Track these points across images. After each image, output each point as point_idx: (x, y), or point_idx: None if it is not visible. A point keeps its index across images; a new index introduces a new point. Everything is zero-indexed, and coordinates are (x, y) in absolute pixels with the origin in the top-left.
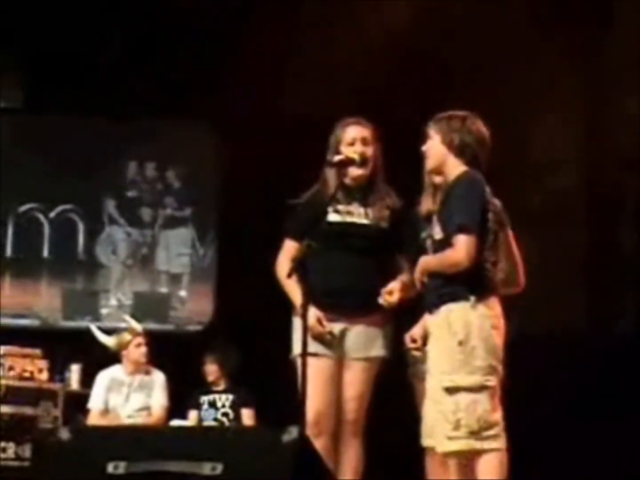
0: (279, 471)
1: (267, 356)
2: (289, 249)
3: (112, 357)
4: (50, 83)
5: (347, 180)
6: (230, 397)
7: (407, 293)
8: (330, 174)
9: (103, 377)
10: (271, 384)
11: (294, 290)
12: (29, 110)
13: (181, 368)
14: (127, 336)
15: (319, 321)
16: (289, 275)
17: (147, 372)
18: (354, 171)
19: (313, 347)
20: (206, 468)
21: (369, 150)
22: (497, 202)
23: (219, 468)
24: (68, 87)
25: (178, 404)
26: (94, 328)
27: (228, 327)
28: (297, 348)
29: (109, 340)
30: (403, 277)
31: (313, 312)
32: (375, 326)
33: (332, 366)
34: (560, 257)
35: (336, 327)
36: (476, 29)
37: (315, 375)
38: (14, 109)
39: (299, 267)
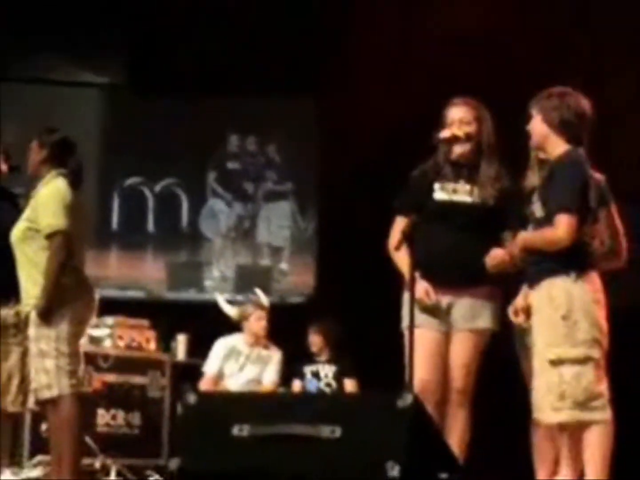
0: (394, 435)
1: (369, 327)
2: (400, 224)
3: (218, 328)
4: (153, 59)
5: (454, 158)
6: (334, 367)
7: (510, 261)
8: (440, 152)
9: (222, 344)
10: (373, 354)
11: (403, 263)
12: (134, 85)
13: (284, 339)
14: (249, 308)
15: (427, 293)
16: (397, 248)
17: (266, 347)
18: (455, 149)
19: (420, 319)
20: (325, 431)
21: (467, 129)
22: (600, 177)
23: (338, 431)
24: (171, 63)
25: (282, 373)
26: (219, 297)
27: (329, 299)
28: (404, 320)
29: (231, 310)
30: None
31: (421, 285)
32: (481, 299)
33: (439, 338)
34: None
35: (443, 301)
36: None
37: (422, 346)
38: (119, 85)
39: (407, 240)
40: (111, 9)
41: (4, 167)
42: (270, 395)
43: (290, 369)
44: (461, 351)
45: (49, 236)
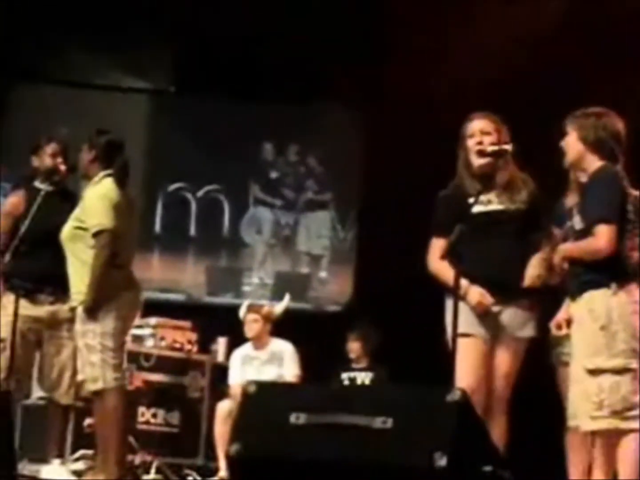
0: (442, 427)
1: (406, 337)
2: (437, 246)
3: None
4: (199, 65)
5: (478, 171)
6: (370, 374)
7: (546, 270)
8: (463, 167)
9: (236, 355)
10: (410, 363)
11: (447, 272)
12: (179, 92)
13: (320, 347)
14: (244, 312)
15: (483, 296)
16: (443, 257)
17: (275, 345)
18: (482, 161)
19: (467, 327)
20: (377, 422)
21: (488, 140)
22: (637, 194)
23: (389, 422)
24: (216, 70)
25: (318, 380)
26: (244, 304)
27: (366, 308)
28: (450, 328)
29: (242, 315)
30: (541, 254)
31: (476, 290)
32: (526, 308)
33: (485, 347)
34: None
35: (494, 309)
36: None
37: (468, 354)
38: (164, 91)
39: (453, 251)
40: (156, 15)
41: (63, 168)
42: (326, 386)
43: (327, 376)
44: (507, 359)
45: (96, 235)
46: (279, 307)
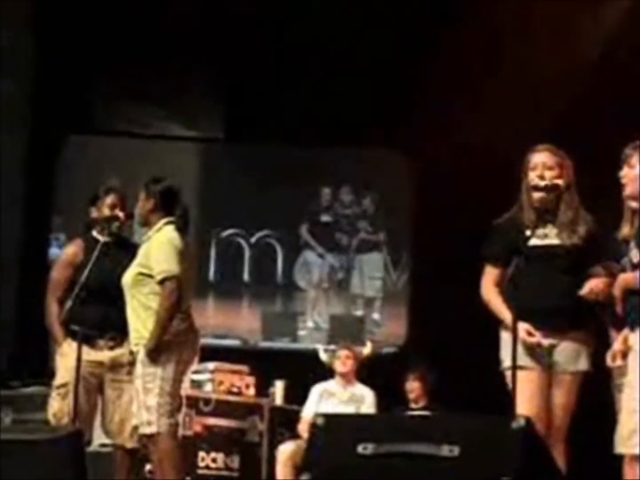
0: (508, 454)
1: (460, 376)
2: (490, 273)
3: (313, 376)
4: (249, 112)
5: (538, 204)
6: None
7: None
8: (525, 199)
9: (317, 388)
10: (464, 403)
11: (501, 307)
12: (230, 139)
13: (377, 388)
14: (338, 350)
15: (529, 333)
16: (497, 286)
17: (358, 388)
18: (539, 195)
19: (523, 360)
20: (444, 450)
21: (550, 175)
22: None
23: (456, 450)
24: (267, 116)
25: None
26: (320, 347)
27: (421, 348)
28: (506, 361)
29: (324, 356)
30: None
31: (522, 326)
32: (581, 342)
33: (541, 378)
34: None
35: (545, 342)
36: None
37: (526, 386)
38: (216, 139)
39: (510, 284)
40: (206, 65)
41: (122, 215)
42: (393, 416)
43: None
44: (564, 393)
45: (162, 281)
46: (366, 350)
